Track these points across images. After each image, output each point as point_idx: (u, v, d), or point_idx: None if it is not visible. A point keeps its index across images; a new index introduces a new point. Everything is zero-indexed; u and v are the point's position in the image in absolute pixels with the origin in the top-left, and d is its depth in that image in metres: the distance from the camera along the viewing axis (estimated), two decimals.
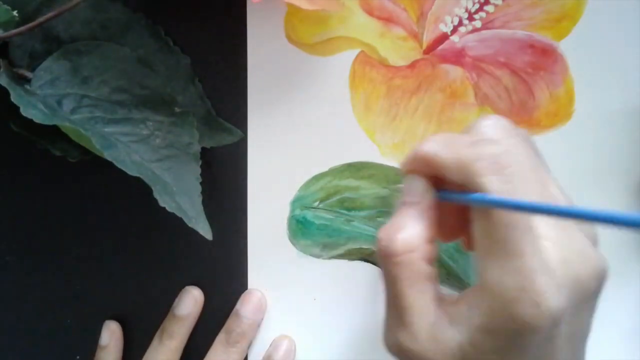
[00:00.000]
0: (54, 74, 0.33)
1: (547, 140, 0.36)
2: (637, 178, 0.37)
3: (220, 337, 0.38)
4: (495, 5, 0.36)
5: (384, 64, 0.37)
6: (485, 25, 0.36)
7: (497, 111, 0.37)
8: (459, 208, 0.28)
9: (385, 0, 0.36)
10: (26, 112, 0.30)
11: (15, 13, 0.32)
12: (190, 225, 0.32)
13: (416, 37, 0.36)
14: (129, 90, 0.34)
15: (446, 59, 0.36)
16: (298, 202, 0.38)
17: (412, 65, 0.36)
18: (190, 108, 0.35)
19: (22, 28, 0.32)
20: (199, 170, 0.34)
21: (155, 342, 0.38)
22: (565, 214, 0.23)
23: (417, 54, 0.36)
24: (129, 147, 0.33)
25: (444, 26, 0.36)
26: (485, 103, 0.37)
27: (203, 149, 0.35)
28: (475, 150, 0.26)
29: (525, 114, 0.36)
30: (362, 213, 0.37)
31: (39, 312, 0.40)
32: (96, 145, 0.30)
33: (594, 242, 0.27)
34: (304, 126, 0.37)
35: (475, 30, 0.36)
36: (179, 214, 0.32)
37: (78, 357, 0.40)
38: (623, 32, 0.35)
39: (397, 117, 0.37)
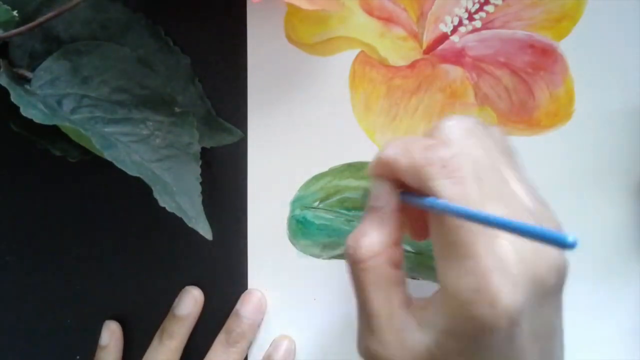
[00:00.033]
0: (54, 74, 0.33)
1: (547, 140, 0.36)
2: (637, 178, 0.37)
3: (220, 337, 0.38)
4: (495, 5, 0.36)
5: (384, 64, 0.37)
6: (485, 25, 0.36)
7: (497, 111, 0.37)
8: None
9: (385, 0, 0.36)
10: (26, 112, 0.30)
11: (15, 13, 0.32)
12: (190, 225, 0.32)
13: (416, 37, 0.36)
14: (129, 90, 0.34)
15: (446, 59, 0.36)
16: (298, 202, 0.38)
17: (412, 65, 0.36)
18: (190, 108, 0.35)
19: (22, 28, 0.32)
20: (199, 170, 0.34)
21: (155, 342, 0.38)
22: (500, 226, 0.23)
23: (417, 54, 0.36)
24: (129, 147, 0.33)
25: (444, 26, 0.36)
26: (485, 103, 0.37)
27: (203, 149, 0.35)
28: (427, 154, 0.26)
29: (525, 114, 0.36)
30: (362, 213, 0.37)
31: (39, 312, 0.40)
32: (96, 145, 0.30)
33: None
34: (304, 126, 0.37)
35: (475, 30, 0.36)
36: (179, 214, 0.32)
37: (78, 357, 0.40)
38: (623, 32, 0.35)
39: (397, 117, 0.37)
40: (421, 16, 0.36)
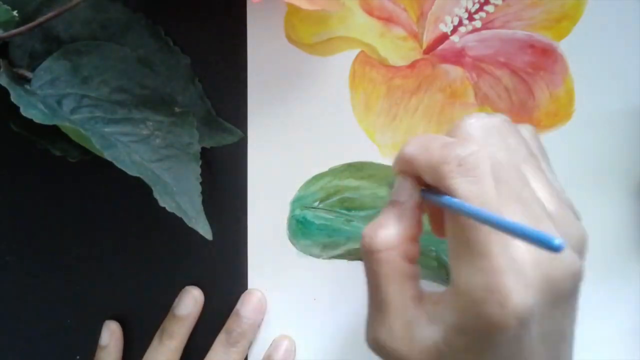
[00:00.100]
0: (54, 74, 0.33)
1: (547, 140, 0.36)
2: (637, 178, 0.37)
3: (221, 337, 0.38)
4: (495, 5, 0.36)
5: (384, 64, 0.37)
6: (485, 25, 0.36)
7: (497, 111, 0.37)
8: None
9: (385, 0, 0.36)
10: (26, 112, 0.30)
11: (15, 13, 0.32)
12: (190, 225, 0.32)
13: (416, 37, 0.36)
14: (129, 90, 0.34)
15: (446, 59, 0.36)
16: (298, 202, 0.38)
17: (412, 65, 0.36)
18: (190, 108, 0.35)
19: (22, 28, 0.32)
20: (199, 170, 0.34)
21: (155, 342, 0.38)
22: (507, 229, 0.23)
23: (417, 54, 0.36)
24: (129, 147, 0.33)
25: (444, 26, 0.36)
26: (485, 103, 0.37)
27: (203, 149, 0.35)
28: (444, 152, 0.26)
29: (525, 114, 0.36)
30: (362, 213, 0.38)
31: (39, 312, 0.40)
32: (96, 145, 0.30)
33: (577, 247, 0.27)
34: (304, 126, 0.37)
35: (475, 30, 0.36)
36: (179, 214, 0.32)
37: (78, 357, 0.40)
38: (623, 32, 0.35)
39: (397, 117, 0.37)
40: (421, 16, 0.36)
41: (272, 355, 0.38)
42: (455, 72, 0.36)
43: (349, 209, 0.37)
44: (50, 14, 0.32)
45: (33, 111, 0.30)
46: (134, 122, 0.34)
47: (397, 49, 0.36)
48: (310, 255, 0.38)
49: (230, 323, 0.38)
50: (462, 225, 0.25)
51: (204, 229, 0.33)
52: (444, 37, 0.36)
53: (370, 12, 0.36)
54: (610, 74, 0.36)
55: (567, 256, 0.25)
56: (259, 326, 0.38)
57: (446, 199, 0.26)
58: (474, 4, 0.36)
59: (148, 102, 0.34)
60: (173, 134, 0.34)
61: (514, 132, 0.28)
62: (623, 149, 0.36)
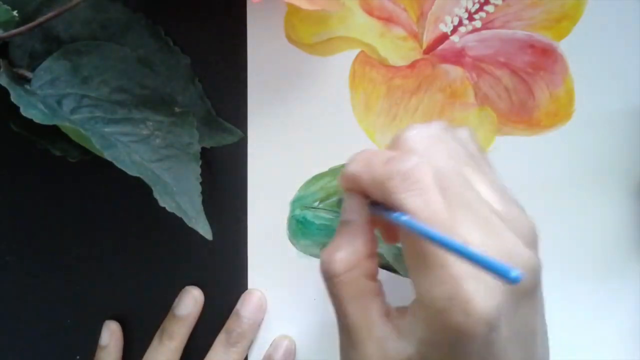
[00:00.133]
0: (54, 74, 0.33)
1: (547, 140, 0.36)
2: (637, 178, 0.37)
3: (221, 337, 0.38)
4: (495, 5, 0.36)
5: (384, 64, 0.37)
6: (485, 25, 0.36)
7: (497, 111, 0.37)
8: None
9: (385, 0, 0.36)
10: (26, 112, 0.30)
11: (15, 13, 0.32)
12: (190, 225, 0.32)
13: (416, 37, 0.36)
14: (129, 90, 0.34)
15: (446, 59, 0.36)
16: (298, 202, 0.38)
17: (412, 65, 0.36)
18: (190, 108, 0.35)
19: (22, 28, 0.32)
20: (199, 170, 0.34)
21: (155, 342, 0.38)
22: (454, 250, 0.23)
23: (417, 54, 0.36)
24: (129, 147, 0.33)
25: (444, 26, 0.36)
26: (485, 103, 0.37)
27: (203, 149, 0.35)
28: (387, 168, 0.26)
29: (525, 114, 0.36)
30: None
31: (39, 312, 0.40)
32: (96, 145, 0.30)
33: (530, 240, 0.27)
34: (304, 126, 0.37)
35: (475, 30, 0.36)
36: (179, 214, 0.32)
37: (78, 357, 0.40)
38: (623, 32, 0.35)
39: (397, 117, 0.37)
40: (421, 16, 0.36)
41: (272, 355, 0.38)
42: (455, 72, 0.36)
43: None
44: (50, 14, 0.32)
45: (33, 111, 0.30)
46: (134, 122, 0.34)
47: (397, 49, 0.36)
48: (310, 255, 0.38)
49: (230, 323, 0.38)
50: (415, 238, 0.25)
51: (204, 229, 0.33)
52: (444, 37, 0.36)
53: (370, 12, 0.36)
54: (610, 74, 0.36)
55: (522, 252, 0.25)
56: (259, 326, 0.38)
57: (396, 216, 0.26)
58: (474, 4, 0.36)
59: (148, 102, 0.34)
60: (173, 134, 0.34)
61: (452, 138, 0.28)
62: (623, 149, 0.36)
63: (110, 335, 0.39)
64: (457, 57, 0.36)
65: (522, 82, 0.36)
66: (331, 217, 0.38)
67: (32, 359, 0.40)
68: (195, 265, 0.39)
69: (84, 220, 0.39)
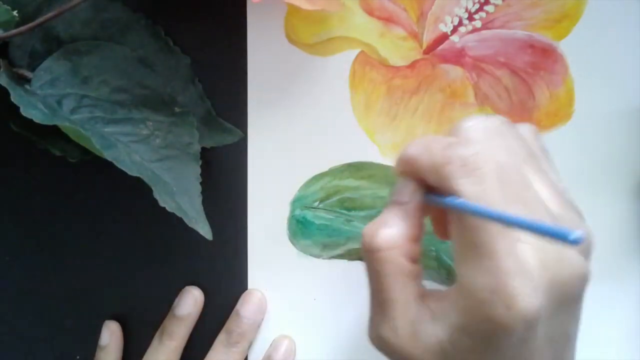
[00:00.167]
0: (54, 74, 0.33)
1: (547, 140, 0.36)
2: (637, 178, 0.37)
3: (221, 338, 0.38)
4: (495, 5, 0.36)
5: (384, 64, 0.37)
6: (485, 25, 0.36)
7: (497, 111, 0.37)
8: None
9: (385, 0, 0.36)
10: (26, 112, 0.30)
11: (15, 13, 0.32)
12: (190, 225, 0.32)
13: (416, 37, 0.36)
14: (129, 90, 0.34)
15: (446, 59, 0.36)
16: (298, 202, 0.38)
17: (412, 65, 0.36)
18: (190, 108, 0.35)
19: (22, 28, 0.32)
20: (199, 170, 0.34)
21: (155, 342, 0.38)
22: (513, 223, 0.23)
23: (417, 54, 0.36)
24: (129, 147, 0.33)
25: (444, 26, 0.36)
26: (485, 103, 0.37)
27: (203, 149, 0.35)
28: (447, 153, 0.26)
29: (525, 114, 0.36)
30: (362, 213, 0.37)
31: (39, 312, 0.40)
32: (96, 145, 0.30)
33: (582, 248, 0.27)
34: (304, 126, 0.37)
35: (475, 30, 0.36)
36: (179, 214, 0.32)
37: (78, 357, 0.40)
38: (623, 32, 0.35)
39: (397, 117, 0.37)
40: (421, 16, 0.36)
41: (272, 355, 0.38)
42: (455, 72, 0.36)
43: (349, 209, 0.37)
44: (50, 14, 0.32)
45: (33, 111, 0.30)
46: (134, 122, 0.34)
47: (397, 49, 0.36)
48: (310, 255, 0.38)
49: (230, 323, 0.38)
50: (467, 226, 0.25)
51: (204, 229, 0.33)
52: (444, 37, 0.36)
53: (370, 12, 0.36)
54: (610, 74, 0.36)
55: (574, 258, 0.25)
56: (259, 326, 0.38)
57: (450, 199, 0.26)
58: (474, 4, 0.36)
59: (148, 102, 0.34)
60: (173, 134, 0.34)
61: (513, 134, 0.28)
62: (623, 149, 0.36)
63: (110, 335, 0.39)
64: (457, 57, 0.36)
65: (522, 82, 0.36)
66: (331, 217, 0.38)
67: (32, 359, 0.40)
68: (195, 265, 0.39)
69: (84, 220, 0.39)
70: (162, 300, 0.39)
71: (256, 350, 0.39)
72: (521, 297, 0.24)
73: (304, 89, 0.37)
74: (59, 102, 0.33)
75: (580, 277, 0.25)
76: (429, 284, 0.37)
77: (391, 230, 0.27)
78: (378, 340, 0.28)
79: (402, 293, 0.27)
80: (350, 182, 0.37)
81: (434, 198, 0.27)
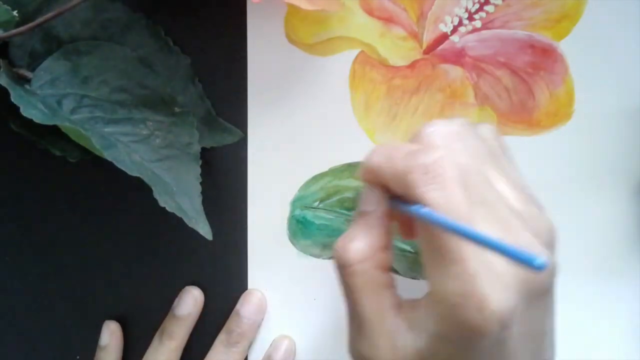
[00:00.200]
0: (54, 74, 0.33)
1: (547, 140, 0.36)
2: (637, 178, 0.37)
3: (221, 338, 0.38)
4: (495, 5, 0.36)
5: (384, 64, 0.37)
6: (485, 25, 0.36)
7: (497, 111, 0.37)
8: None
9: (385, 0, 0.36)
10: (26, 112, 0.30)
11: (15, 13, 0.32)
12: (190, 225, 0.32)
13: (416, 37, 0.36)
14: (129, 90, 0.34)
15: (446, 59, 0.36)
16: (298, 202, 0.38)
17: (412, 65, 0.36)
18: (190, 108, 0.35)
19: (22, 28, 0.32)
20: (199, 170, 0.34)
21: (155, 342, 0.38)
22: (477, 241, 0.23)
23: (417, 54, 0.36)
24: (129, 147, 0.33)
25: (444, 26, 0.36)
26: (485, 103, 0.37)
27: (203, 149, 0.35)
28: (408, 162, 0.26)
29: (525, 114, 0.36)
30: None
31: (39, 312, 0.40)
32: (96, 145, 0.30)
33: (547, 240, 0.27)
34: (304, 126, 0.37)
35: (475, 30, 0.36)
36: (179, 214, 0.32)
37: (78, 357, 0.40)
38: (623, 32, 0.35)
39: (397, 117, 0.37)
40: (421, 16, 0.36)
41: (272, 355, 0.38)
42: (455, 72, 0.36)
43: (349, 209, 0.37)
44: (50, 14, 0.32)
45: (33, 111, 0.30)
46: (134, 122, 0.34)
47: (397, 49, 0.36)
48: (310, 255, 0.38)
49: (230, 323, 0.38)
50: (432, 232, 0.25)
51: (204, 229, 0.33)
52: (444, 37, 0.36)
53: (370, 12, 0.36)
54: (610, 74, 0.36)
55: (541, 252, 0.25)
56: (259, 326, 0.38)
57: (416, 208, 0.26)
58: (474, 4, 0.36)
59: (148, 102, 0.34)
60: (173, 134, 0.34)
61: (473, 135, 0.28)
62: (623, 149, 0.36)
63: (110, 335, 0.39)
64: (457, 57, 0.36)
65: (522, 82, 0.36)
66: (331, 217, 0.38)
67: (32, 359, 0.40)
68: (195, 265, 0.39)
69: (84, 220, 0.39)
70: (162, 300, 0.39)
71: (256, 350, 0.39)
72: (492, 298, 0.24)
73: (304, 89, 0.37)
74: (59, 102, 0.33)
75: (548, 271, 0.25)
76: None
77: (360, 244, 0.28)
78: (357, 355, 0.28)
79: (376, 305, 0.27)
80: (350, 182, 0.37)
81: (400, 206, 0.27)
